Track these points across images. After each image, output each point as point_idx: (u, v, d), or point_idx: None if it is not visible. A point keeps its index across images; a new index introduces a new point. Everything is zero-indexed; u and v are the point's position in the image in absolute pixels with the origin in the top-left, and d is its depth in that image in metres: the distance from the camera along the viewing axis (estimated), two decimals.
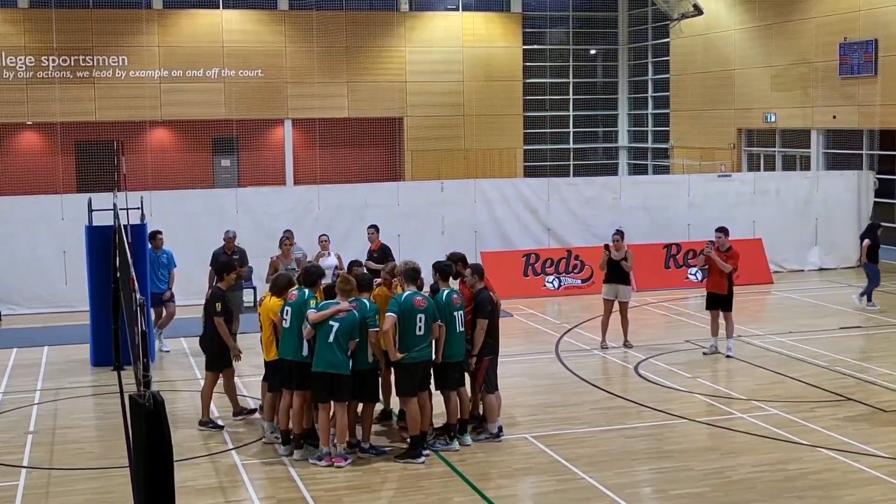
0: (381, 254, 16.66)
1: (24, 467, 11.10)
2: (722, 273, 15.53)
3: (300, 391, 10.88)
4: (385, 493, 10.11)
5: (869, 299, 19.27)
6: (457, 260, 12.16)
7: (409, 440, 11.10)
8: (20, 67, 33.62)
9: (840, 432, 11.75)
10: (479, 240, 22.15)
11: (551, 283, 21.60)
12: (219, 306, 12.01)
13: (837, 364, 15.00)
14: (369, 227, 16.97)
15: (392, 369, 11.40)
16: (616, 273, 16.29)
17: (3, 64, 33.50)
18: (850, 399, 13.13)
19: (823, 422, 12.18)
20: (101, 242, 15.32)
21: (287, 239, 16.24)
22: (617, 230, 16.83)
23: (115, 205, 14.85)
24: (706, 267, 16.02)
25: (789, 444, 11.41)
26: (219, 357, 12.14)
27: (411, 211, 21.78)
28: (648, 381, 14.30)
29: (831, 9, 28.35)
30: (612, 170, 39.54)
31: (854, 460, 10.86)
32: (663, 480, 10.38)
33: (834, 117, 28.28)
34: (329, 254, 16.68)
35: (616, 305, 16.32)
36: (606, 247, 16.44)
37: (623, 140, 40.51)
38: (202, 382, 14.30)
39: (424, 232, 21.29)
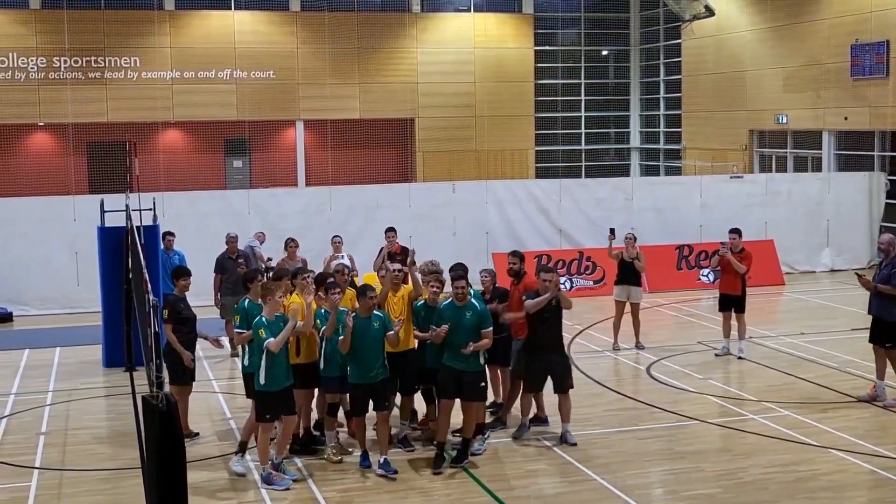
0: (404, 255, 16.74)
1: (37, 468, 11.15)
2: (736, 274, 15.50)
3: (299, 389, 10.88)
4: (398, 495, 10.11)
5: None
6: (522, 258, 12.51)
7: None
8: (32, 68, 33.72)
9: (852, 433, 11.73)
10: (491, 241, 22.16)
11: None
12: (166, 313, 11.65)
13: (849, 365, 14.96)
14: (388, 231, 16.97)
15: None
16: (628, 274, 16.29)
17: (15, 65, 33.61)
18: (862, 401, 13.09)
19: (835, 423, 12.16)
20: (114, 243, 15.36)
21: (292, 241, 16.26)
22: (629, 233, 16.83)
23: (127, 206, 14.90)
24: (718, 268, 16.00)
25: (801, 446, 11.39)
26: (179, 369, 11.79)
27: (423, 212, 21.79)
28: (660, 382, 14.28)
29: (843, 10, 28.26)
30: (623, 171, 39.48)
31: (865, 461, 10.84)
32: (675, 481, 10.37)
33: (845, 118, 28.19)
34: (342, 255, 16.70)
35: (628, 307, 16.31)
36: (612, 231, 16.42)
37: (635, 141, 40.46)
38: (214, 384, 14.40)
39: (436, 233, 21.30)
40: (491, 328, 10.84)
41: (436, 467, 10.67)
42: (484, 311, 10.85)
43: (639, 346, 16.21)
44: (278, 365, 10.25)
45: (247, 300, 11.06)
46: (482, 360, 10.89)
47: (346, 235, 18.41)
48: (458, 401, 10.81)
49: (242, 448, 10.85)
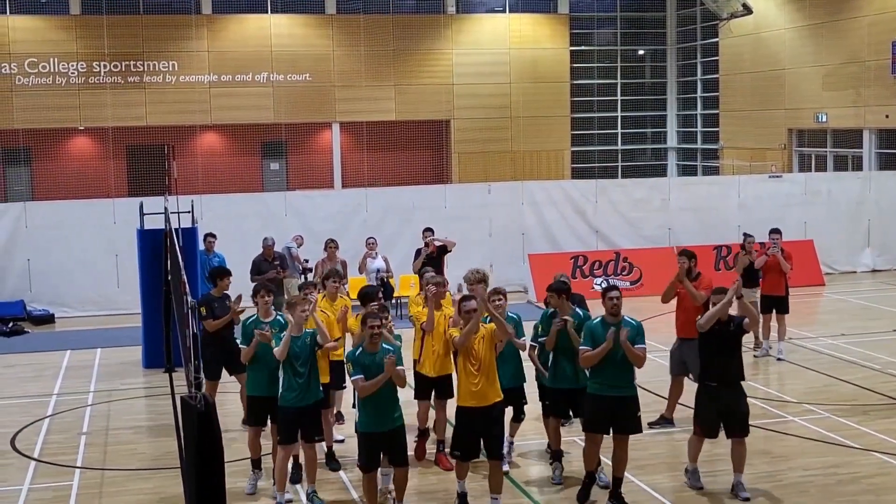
0: (441, 255, 16.82)
1: (78, 468, 11.28)
2: (780, 275, 15.39)
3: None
4: (434, 499, 10.10)
5: None
6: (692, 257, 11.88)
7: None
8: (72, 73, 34.14)
9: (894, 436, 11.58)
10: (527, 242, 22.12)
11: (600, 285, 21.47)
12: (203, 310, 11.56)
13: (891, 367, 14.79)
14: (426, 230, 17.06)
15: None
16: (753, 277, 15.97)
17: (56, 70, 34.04)
18: None
19: (877, 425, 12.02)
20: (153, 246, 15.52)
21: (332, 242, 16.30)
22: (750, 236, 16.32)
23: (166, 208, 15.03)
24: (759, 269, 15.84)
25: (842, 448, 11.27)
26: (213, 364, 11.73)
27: (458, 213, 21.77)
28: None
29: (883, 6, 27.96)
30: (660, 171, 39.30)
31: None
32: (714, 484, 10.28)
33: (887, 116, 27.89)
34: (376, 256, 16.75)
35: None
36: (743, 247, 16.04)
37: (672, 141, 40.24)
38: None
39: (471, 234, 21.27)
40: (644, 346, 9.55)
41: (581, 500, 9.75)
42: (639, 326, 9.60)
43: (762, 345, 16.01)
44: (294, 379, 9.54)
45: (253, 316, 10.41)
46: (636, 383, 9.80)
47: (382, 237, 18.48)
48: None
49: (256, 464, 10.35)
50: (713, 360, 9.79)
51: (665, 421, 12.10)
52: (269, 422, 10.16)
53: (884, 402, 13.05)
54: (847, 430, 11.88)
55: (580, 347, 9.68)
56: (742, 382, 9.94)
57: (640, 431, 9.85)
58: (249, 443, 10.31)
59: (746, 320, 9.80)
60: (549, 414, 10.60)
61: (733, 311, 10.00)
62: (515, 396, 10.53)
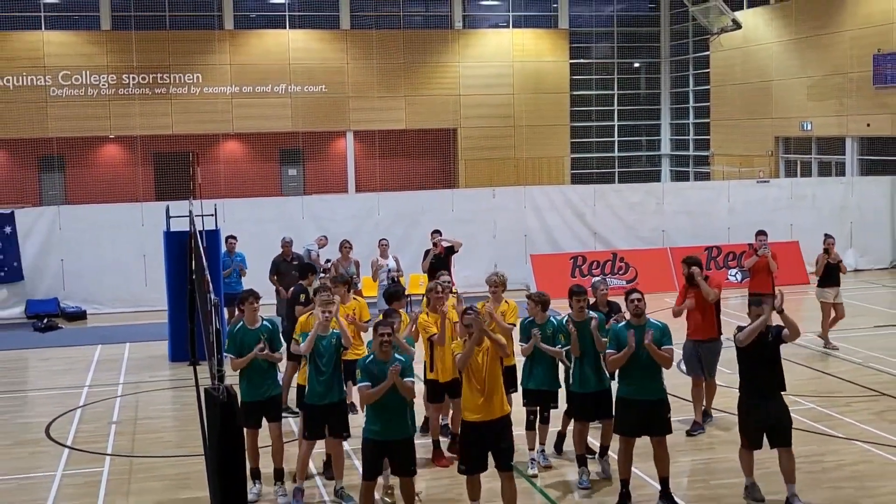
0: (448, 256, 16.79)
1: (108, 455, 11.32)
2: (768, 273, 15.37)
3: None
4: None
5: None
6: (696, 263, 11.68)
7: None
8: (103, 85, 34.21)
9: (876, 426, 11.57)
10: (529, 243, 22.11)
11: None
12: (302, 297, 12.03)
13: (872, 361, 14.76)
14: (435, 232, 17.05)
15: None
16: (834, 276, 15.95)
17: (88, 82, 34.11)
18: (885, 394, 12.91)
19: (859, 416, 12.00)
20: (178, 247, 15.56)
21: (346, 243, 16.29)
22: (828, 234, 16.35)
23: (190, 212, 15.05)
24: (748, 269, 15.81)
25: (826, 437, 11.25)
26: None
27: (465, 217, 21.76)
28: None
29: (865, 21, 27.89)
30: (655, 177, 39.24)
31: (890, 453, 10.68)
32: (704, 472, 10.28)
33: (868, 125, 27.82)
34: (389, 258, 16.74)
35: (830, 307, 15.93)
36: (829, 236, 16.00)
37: (665, 148, 40.19)
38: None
39: (477, 236, 21.26)
40: (672, 346, 9.28)
41: None
42: (665, 327, 9.34)
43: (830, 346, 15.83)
44: (320, 377, 9.28)
45: (240, 323, 9.87)
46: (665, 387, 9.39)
47: (393, 239, 18.47)
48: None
49: (278, 475, 9.85)
50: (752, 372, 9.26)
51: (698, 426, 11.70)
52: (264, 422, 9.79)
53: (865, 393, 13.02)
54: (831, 419, 11.87)
55: (607, 351, 9.35)
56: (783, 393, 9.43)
57: (671, 432, 9.44)
58: (248, 448, 9.51)
59: (786, 331, 9.22)
60: (573, 418, 10.18)
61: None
62: (545, 399, 10.26)
